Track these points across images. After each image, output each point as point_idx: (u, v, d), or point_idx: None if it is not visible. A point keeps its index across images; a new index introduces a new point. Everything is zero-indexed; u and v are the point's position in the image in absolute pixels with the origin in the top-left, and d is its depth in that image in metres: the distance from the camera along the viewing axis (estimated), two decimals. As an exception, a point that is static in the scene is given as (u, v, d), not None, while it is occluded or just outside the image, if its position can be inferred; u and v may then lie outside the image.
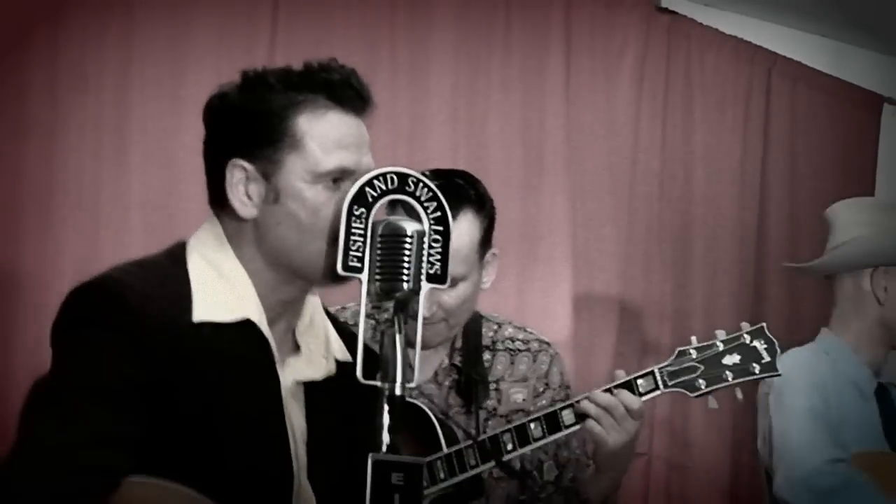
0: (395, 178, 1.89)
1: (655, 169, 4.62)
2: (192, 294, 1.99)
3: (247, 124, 2.04)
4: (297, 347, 2.12)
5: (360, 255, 1.84)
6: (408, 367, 1.84)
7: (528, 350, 2.90)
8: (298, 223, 2.00)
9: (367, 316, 2.40)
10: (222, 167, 2.04)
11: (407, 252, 1.85)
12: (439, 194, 1.90)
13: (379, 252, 1.85)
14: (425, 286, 1.86)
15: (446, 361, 2.86)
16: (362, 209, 1.86)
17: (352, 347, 2.03)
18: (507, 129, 4.33)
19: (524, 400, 2.86)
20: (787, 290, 4.84)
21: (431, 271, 1.87)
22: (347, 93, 2.04)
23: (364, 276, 1.84)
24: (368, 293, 1.85)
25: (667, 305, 4.58)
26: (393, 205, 1.90)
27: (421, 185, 1.89)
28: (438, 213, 1.89)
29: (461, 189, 2.76)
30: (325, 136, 2.01)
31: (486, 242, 2.81)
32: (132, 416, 1.88)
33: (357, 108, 2.05)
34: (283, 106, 2.02)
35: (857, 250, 3.42)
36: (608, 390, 2.60)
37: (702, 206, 4.71)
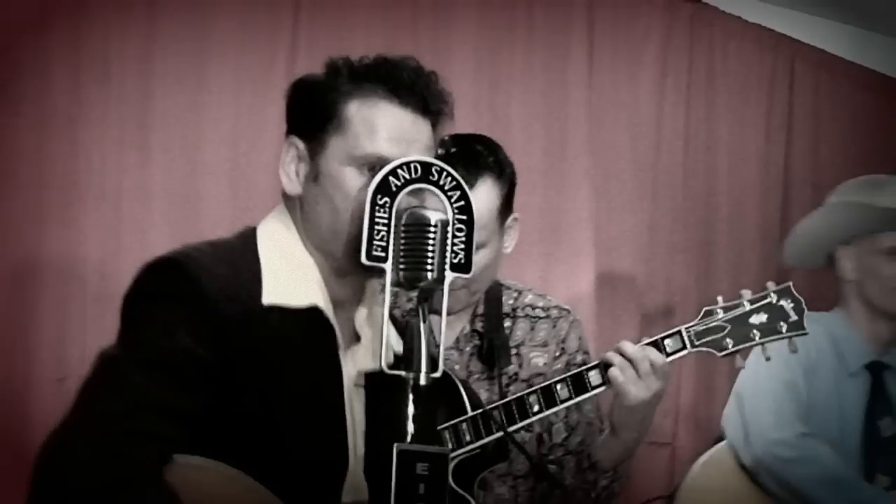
0: (418, 167, 1.89)
1: (678, 157, 4.60)
2: (262, 277, 2.03)
3: (304, 105, 2.11)
4: (357, 338, 2.14)
5: (384, 244, 1.85)
6: (433, 354, 1.84)
7: (547, 316, 2.90)
8: (332, 205, 2.04)
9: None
10: None
11: (431, 241, 1.85)
12: (463, 183, 1.90)
13: (403, 241, 1.85)
14: (449, 275, 1.86)
15: (467, 328, 2.86)
16: (386, 198, 1.86)
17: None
18: (530, 117, 4.32)
19: (545, 364, 2.87)
20: (810, 275, 4.81)
21: (455, 260, 1.87)
22: (409, 91, 2.06)
23: (388, 266, 1.85)
24: (393, 282, 1.85)
25: (690, 293, 4.55)
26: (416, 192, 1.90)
27: (444, 173, 1.89)
28: (462, 203, 1.89)
29: (480, 156, 2.76)
30: (369, 122, 2.05)
31: (506, 208, 2.81)
32: (192, 391, 1.91)
33: (418, 108, 2.07)
34: (340, 91, 2.07)
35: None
36: None
37: (725, 194, 4.69)
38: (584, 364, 2.82)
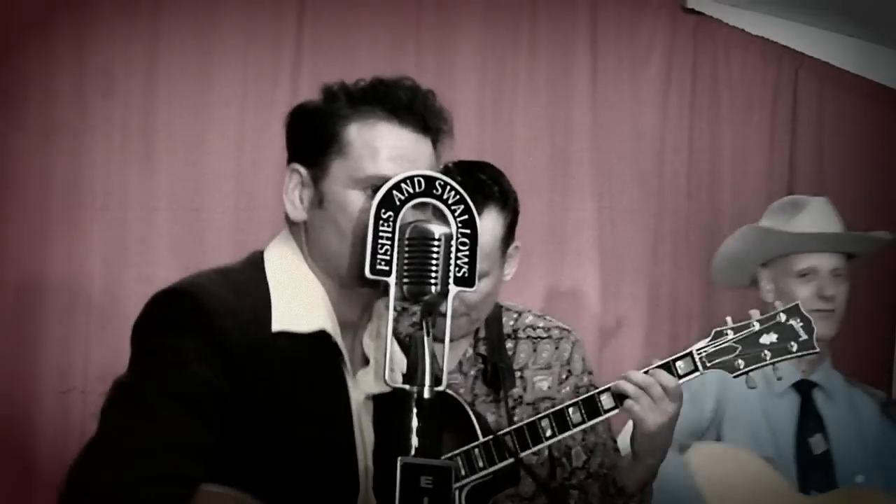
0: (422, 181, 1.89)
1: (682, 169, 4.60)
2: (272, 303, 2.02)
3: (304, 131, 2.10)
4: (366, 360, 2.13)
5: (387, 258, 1.85)
6: (437, 368, 1.84)
7: (549, 337, 2.89)
8: (338, 228, 2.03)
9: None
10: None
11: (435, 255, 1.85)
12: (466, 197, 1.90)
13: (407, 255, 1.85)
14: (453, 289, 1.86)
15: (470, 351, 2.86)
16: (390, 212, 1.86)
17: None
18: (534, 129, 4.33)
19: (549, 387, 2.85)
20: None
21: (459, 274, 1.87)
22: (407, 110, 2.06)
23: (392, 280, 1.85)
24: (396, 297, 1.85)
25: (695, 305, 4.56)
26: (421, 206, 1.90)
27: (448, 187, 1.89)
28: (466, 216, 1.89)
29: (485, 186, 2.75)
30: (370, 144, 2.04)
31: (508, 237, 2.80)
32: (210, 424, 1.90)
33: (418, 127, 2.07)
34: (338, 115, 2.06)
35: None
36: (645, 372, 2.59)
37: (729, 205, 4.69)
38: (591, 384, 2.83)
